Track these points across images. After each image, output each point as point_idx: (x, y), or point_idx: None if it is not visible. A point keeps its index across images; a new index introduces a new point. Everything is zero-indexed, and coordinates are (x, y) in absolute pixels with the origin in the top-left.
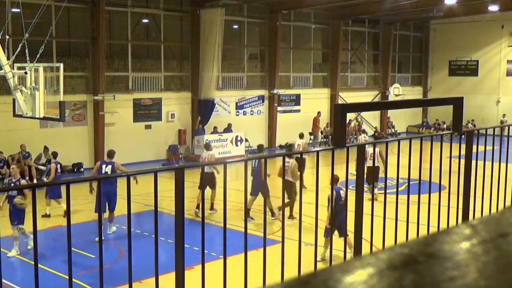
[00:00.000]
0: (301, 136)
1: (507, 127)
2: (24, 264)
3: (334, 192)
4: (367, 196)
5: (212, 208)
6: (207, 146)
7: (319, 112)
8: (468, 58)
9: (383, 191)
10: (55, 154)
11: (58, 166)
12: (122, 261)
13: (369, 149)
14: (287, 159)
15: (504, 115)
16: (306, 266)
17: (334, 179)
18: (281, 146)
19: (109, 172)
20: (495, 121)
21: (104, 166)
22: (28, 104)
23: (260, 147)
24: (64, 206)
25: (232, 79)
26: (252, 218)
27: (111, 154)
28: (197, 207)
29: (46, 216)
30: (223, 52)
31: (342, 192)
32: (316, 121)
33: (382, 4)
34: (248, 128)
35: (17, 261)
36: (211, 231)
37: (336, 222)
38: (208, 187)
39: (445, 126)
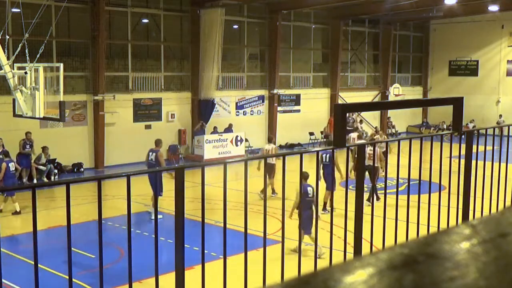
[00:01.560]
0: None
1: (506, 127)
2: (24, 264)
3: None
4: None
5: (273, 192)
6: (270, 139)
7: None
8: (468, 58)
9: (382, 191)
10: (6, 152)
11: (10, 164)
12: (122, 261)
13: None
14: (370, 147)
15: (500, 116)
16: (306, 266)
17: (303, 176)
18: (281, 146)
19: (153, 159)
20: (495, 121)
21: (150, 153)
22: (28, 104)
23: (329, 142)
24: (16, 204)
25: (232, 79)
26: (327, 211)
27: (157, 142)
28: (261, 191)
29: None
30: (223, 52)
31: (310, 189)
32: (331, 122)
33: (382, 4)
34: (248, 128)
35: (17, 261)
36: (211, 231)
37: (302, 218)
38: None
39: (445, 126)
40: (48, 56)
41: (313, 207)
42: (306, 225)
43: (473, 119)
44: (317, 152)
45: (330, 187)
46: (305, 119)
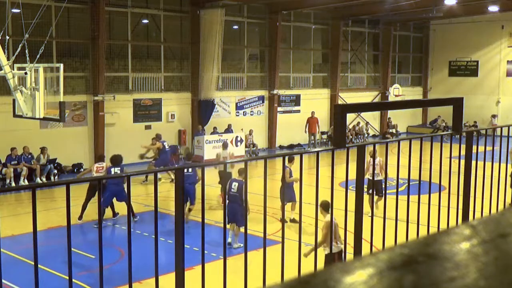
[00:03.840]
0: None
1: (505, 128)
2: (24, 264)
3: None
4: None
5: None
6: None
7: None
8: (468, 59)
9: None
10: None
11: None
12: (122, 261)
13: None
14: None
15: (494, 116)
16: (306, 266)
17: (239, 171)
18: (281, 147)
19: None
20: (495, 121)
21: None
22: (28, 105)
23: None
24: None
25: (232, 79)
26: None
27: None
28: None
29: None
30: (223, 53)
31: (234, 184)
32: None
33: (382, 5)
34: (248, 128)
35: (17, 261)
36: (211, 231)
37: (228, 210)
38: None
39: (444, 124)
40: (48, 56)
41: (242, 202)
42: (237, 217)
43: (475, 121)
44: (317, 152)
45: (293, 198)
46: (304, 120)
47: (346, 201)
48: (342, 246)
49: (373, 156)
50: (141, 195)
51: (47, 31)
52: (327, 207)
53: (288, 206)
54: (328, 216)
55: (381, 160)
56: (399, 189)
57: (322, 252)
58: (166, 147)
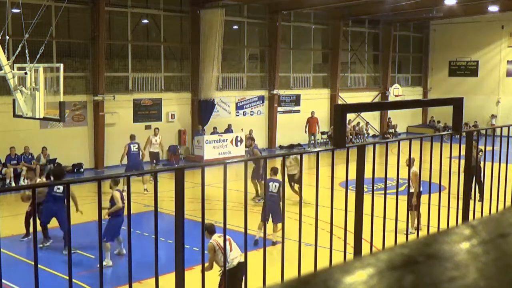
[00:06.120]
0: None
1: (505, 128)
2: (24, 264)
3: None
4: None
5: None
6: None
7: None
8: (468, 59)
9: (382, 191)
10: None
11: None
12: (122, 261)
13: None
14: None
15: (493, 116)
16: (306, 266)
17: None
18: (281, 147)
19: None
20: (495, 121)
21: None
22: (28, 105)
23: None
24: None
25: (232, 79)
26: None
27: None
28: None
29: None
30: (223, 53)
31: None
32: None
33: (382, 5)
34: (248, 128)
35: (17, 261)
36: None
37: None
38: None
39: (440, 125)
40: (48, 56)
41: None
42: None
43: (476, 121)
44: (317, 152)
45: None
46: (304, 120)
47: (346, 201)
48: (231, 264)
49: (409, 165)
50: (141, 194)
51: (47, 31)
52: (210, 229)
53: (269, 226)
54: (214, 237)
55: (414, 171)
56: (399, 189)
57: (322, 252)
58: (132, 149)
